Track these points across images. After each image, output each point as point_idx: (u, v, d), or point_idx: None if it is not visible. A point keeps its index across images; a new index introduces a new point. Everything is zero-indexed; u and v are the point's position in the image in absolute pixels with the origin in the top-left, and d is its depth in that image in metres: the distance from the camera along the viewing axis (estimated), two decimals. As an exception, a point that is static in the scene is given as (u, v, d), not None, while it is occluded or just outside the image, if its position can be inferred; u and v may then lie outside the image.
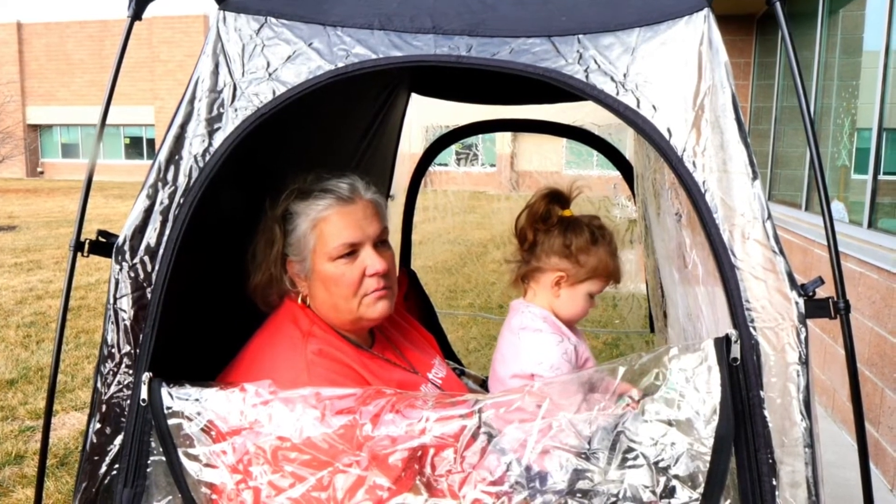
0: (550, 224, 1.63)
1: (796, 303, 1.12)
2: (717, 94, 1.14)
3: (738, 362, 1.12)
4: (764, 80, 6.71)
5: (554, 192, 1.64)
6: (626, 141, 2.62)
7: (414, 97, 2.69)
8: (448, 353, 2.45)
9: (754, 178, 1.13)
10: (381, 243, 1.46)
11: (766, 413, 1.12)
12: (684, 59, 1.14)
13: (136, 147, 28.90)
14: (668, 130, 1.14)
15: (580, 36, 1.16)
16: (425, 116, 2.82)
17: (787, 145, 6.17)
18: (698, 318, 1.37)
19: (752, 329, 1.12)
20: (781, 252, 1.12)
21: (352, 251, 1.40)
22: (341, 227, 1.40)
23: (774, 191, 6.27)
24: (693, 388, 1.13)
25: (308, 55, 1.21)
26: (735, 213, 1.12)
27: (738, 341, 1.12)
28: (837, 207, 4.71)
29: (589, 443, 1.18)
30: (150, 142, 28.32)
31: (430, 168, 2.85)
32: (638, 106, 1.14)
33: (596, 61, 1.15)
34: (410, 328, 1.74)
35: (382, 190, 2.69)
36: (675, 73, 1.14)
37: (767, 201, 1.14)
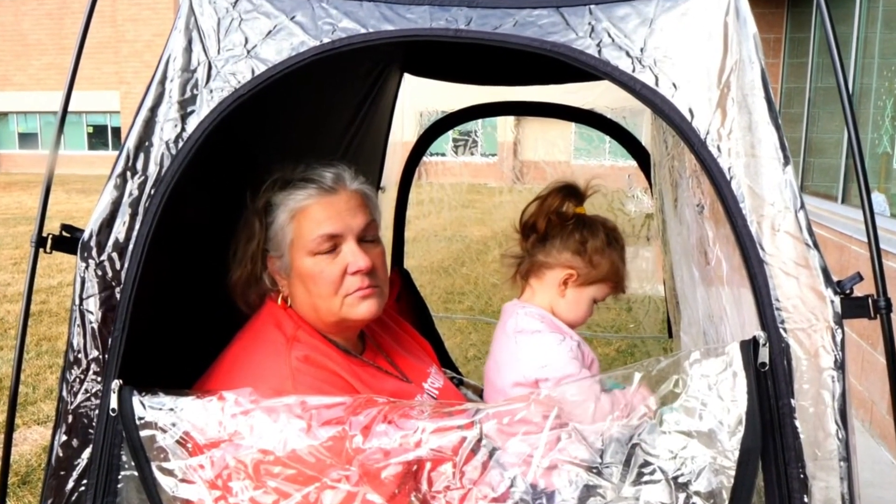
0: (565, 218, 1.67)
1: (832, 301, 1.12)
2: (745, 70, 1.14)
3: (767, 367, 1.12)
4: (796, 59, 6.71)
5: (569, 187, 1.68)
6: (643, 126, 2.62)
7: (407, 78, 2.69)
8: (445, 361, 2.45)
9: (786, 163, 1.13)
10: (367, 238, 1.45)
11: (797, 423, 1.12)
12: (708, 32, 1.15)
13: (99, 136, 28.79)
14: (690, 111, 1.14)
15: (592, 6, 1.16)
16: (419, 100, 2.82)
17: (821, 131, 6.18)
18: (721, 320, 1.37)
19: (782, 331, 1.12)
20: (815, 245, 1.12)
21: (332, 245, 1.40)
22: (321, 219, 1.40)
23: (807, 181, 6.28)
24: (716, 395, 1.13)
25: (290, 30, 1.20)
26: (764, 202, 1.13)
27: (767, 344, 1.12)
28: (878, 199, 4.72)
29: (601, 456, 1.18)
30: (116, 130, 28.21)
31: (424, 158, 2.85)
32: (656, 84, 1.14)
33: (610, 34, 1.15)
34: (404, 334, 1.74)
35: (372, 181, 2.70)
36: (697, 47, 1.14)
37: (800, 191, 1.14)
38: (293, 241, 1.41)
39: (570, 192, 1.68)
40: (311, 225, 1.40)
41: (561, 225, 1.66)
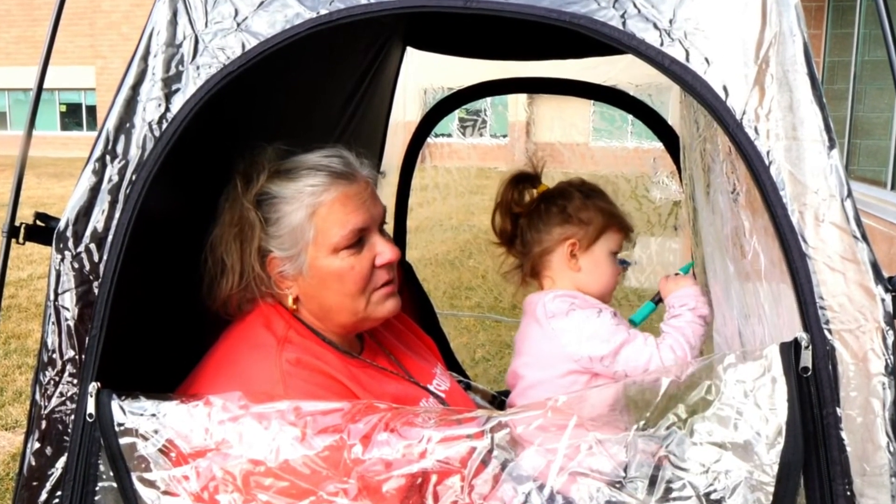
0: (530, 204, 1.76)
1: (882, 300, 1.11)
2: (786, 44, 1.13)
3: (810, 373, 1.12)
4: (840, 29, 6.67)
5: (519, 175, 1.78)
6: (670, 104, 2.61)
7: (409, 52, 2.69)
8: (451, 364, 2.46)
9: (831, 146, 1.12)
10: (382, 227, 1.48)
11: (843, 435, 1.12)
12: (744, 1, 1.14)
13: (73, 115, 28.87)
14: (724, 89, 1.13)
15: (616, -27, 1.16)
16: (423, 76, 2.81)
17: (868, 109, 6.15)
18: (759, 320, 1.37)
19: (826, 332, 1.12)
20: (864, 237, 1.11)
21: (359, 239, 1.41)
22: (348, 211, 1.40)
23: (853, 165, 6.25)
24: (753, 403, 1.13)
25: (284, 0, 1.20)
26: (807, 189, 1.12)
27: (810, 347, 1.12)
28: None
29: (625, 470, 1.18)
30: (91, 109, 28.28)
31: (428, 139, 2.85)
32: (687, 59, 1.14)
33: (635, 4, 1.15)
34: (406, 331, 1.75)
35: (371, 165, 2.70)
36: (732, 19, 1.14)
37: (846, 176, 1.14)
38: (315, 239, 1.39)
39: (521, 179, 1.78)
40: (338, 219, 1.39)
41: (532, 211, 1.75)
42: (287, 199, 1.40)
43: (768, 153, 1.13)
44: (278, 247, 1.40)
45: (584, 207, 1.71)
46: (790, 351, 1.12)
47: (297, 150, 1.46)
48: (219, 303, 1.44)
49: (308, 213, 1.39)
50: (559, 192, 1.75)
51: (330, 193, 1.40)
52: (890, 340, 1.12)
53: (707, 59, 1.14)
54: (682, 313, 1.67)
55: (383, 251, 1.43)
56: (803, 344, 1.12)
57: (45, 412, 1.26)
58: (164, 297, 1.44)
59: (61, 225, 1.25)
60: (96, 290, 1.23)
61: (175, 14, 1.23)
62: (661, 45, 1.14)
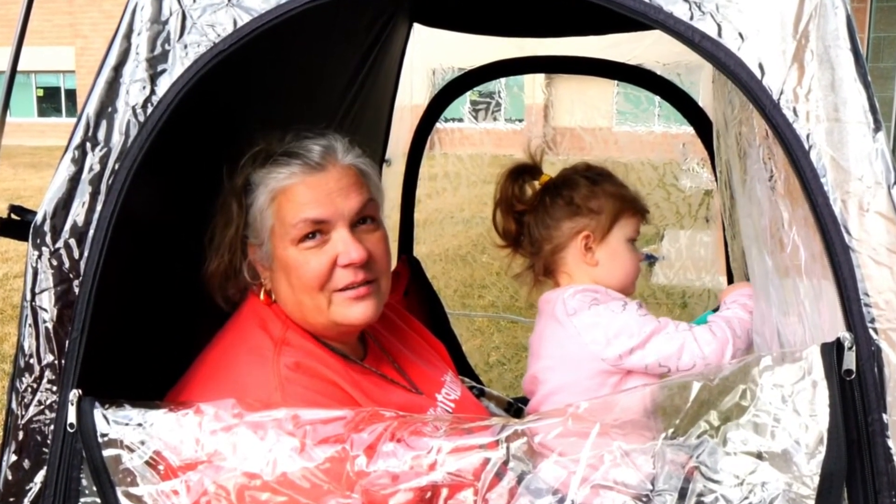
0: (533, 199, 1.75)
1: (932, 296, 1.11)
2: (827, 17, 1.13)
3: (854, 375, 1.11)
4: (886, 2, 6.62)
5: (518, 168, 1.78)
6: (701, 84, 2.61)
7: (417, 29, 2.69)
8: (463, 369, 2.47)
9: (876, 129, 1.12)
10: (364, 222, 1.46)
11: (889, 443, 1.12)
12: (782, -29, 1.14)
13: (51, 100, 29.05)
14: (760, 66, 1.13)
15: (641, -59, 1.15)
16: (431, 55, 2.82)
17: (916, 89, 6.10)
18: (799, 319, 1.37)
19: (871, 331, 1.12)
20: (913, 228, 1.11)
21: (318, 232, 1.41)
22: (304, 201, 1.40)
23: (899, 151, 6.21)
24: (792, 409, 1.13)
25: (280, -28, 1.21)
26: (850, 176, 1.12)
27: (854, 348, 1.11)
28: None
29: (652, 482, 1.18)
30: (70, 93, 28.45)
31: (437, 124, 2.85)
32: (719, 34, 1.14)
33: (663, -26, 1.15)
34: (413, 334, 1.76)
35: (373, 153, 2.70)
36: (769, -10, 1.14)
37: (894, 162, 1.13)
38: (274, 228, 1.42)
39: (521, 172, 1.78)
40: (294, 208, 1.40)
41: (537, 206, 1.74)
42: (258, 186, 1.44)
43: (808, 136, 1.13)
44: (251, 233, 1.45)
45: (593, 195, 1.70)
46: (832, 352, 1.12)
47: (305, 133, 1.48)
48: (214, 285, 1.47)
49: (268, 199, 1.42)
50: (563, 182, 1.75)
51: (292, 181, 1.41)
52: (941, 341, 1.12)
53: (741, 34, 1.14)
54: (731, 307, 1.68)
55: (347, 251, 1.40)
56: (846, 344, 1.11)
57: (23, 422, 1.27)
58: (151, 296, 1.45)
59: (38, 218, 1.25)
60: (76, 290, 1.24)
61: (160, -12, 1.24)
62: (691, 18, 1.14)
